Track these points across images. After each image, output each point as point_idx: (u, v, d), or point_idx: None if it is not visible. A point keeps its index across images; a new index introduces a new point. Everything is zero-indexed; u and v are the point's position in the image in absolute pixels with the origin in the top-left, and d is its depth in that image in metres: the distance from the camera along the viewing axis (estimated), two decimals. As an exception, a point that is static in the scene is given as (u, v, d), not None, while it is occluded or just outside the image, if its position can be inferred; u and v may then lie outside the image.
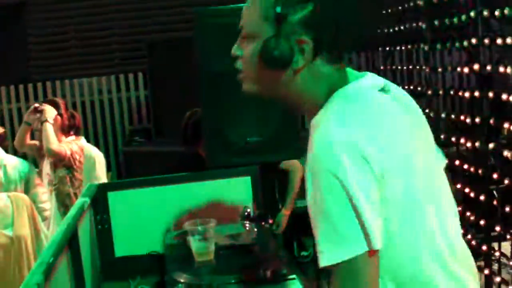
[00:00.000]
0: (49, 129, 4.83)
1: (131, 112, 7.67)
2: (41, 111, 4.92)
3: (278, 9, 1.61)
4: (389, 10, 5.92)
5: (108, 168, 6.39)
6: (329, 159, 1.50)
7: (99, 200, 3.13)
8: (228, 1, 3.60)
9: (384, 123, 1.60)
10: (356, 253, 1.48)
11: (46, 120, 4.85)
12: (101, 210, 3.13)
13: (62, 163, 4.92)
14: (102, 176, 5.38)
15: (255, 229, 2.92)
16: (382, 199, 1.53)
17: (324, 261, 1.51)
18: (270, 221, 3.07)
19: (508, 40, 3.94)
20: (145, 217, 3.15)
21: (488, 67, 4.26)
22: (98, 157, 5.33)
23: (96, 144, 7.05)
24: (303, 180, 4.44)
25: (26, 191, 4.76)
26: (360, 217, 1.48)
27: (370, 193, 1.50)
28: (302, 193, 5.65)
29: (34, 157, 5.58)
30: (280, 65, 1.64)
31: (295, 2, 1.61)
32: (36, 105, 5.05)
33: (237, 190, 3.26)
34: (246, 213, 3.01)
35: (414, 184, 1.60)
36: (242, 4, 4.01)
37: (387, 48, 6.21)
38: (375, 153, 1.51)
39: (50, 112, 4.91)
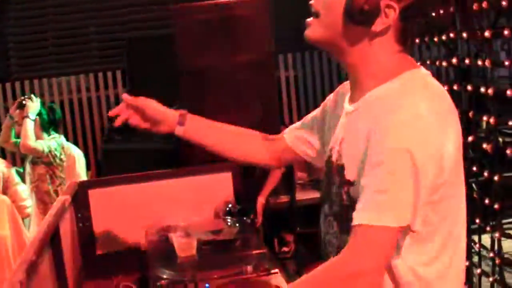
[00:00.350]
0: (28, 125, 4.81)
1: (110, 110, 7.63)
2: (23, 106, 4.91)
3: None
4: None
5: (88, 167, 6.37)
6: (416, 134, 1.52)
7: (80, 198, 3.12)
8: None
9: (456, 122, 1.65)
10: (399, 224, 1.52)
11: (27, 116, 4.83)
12: (82, 208, 3.13)
13: (41, 160, 4.91)
14: (82, 174, 5.37)
15: (237, 225, 2.93)
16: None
17: (363, 219, 1.53)
18: (252, 216, 3.07)
19: (486, 34, 3.97)
20: (126, 214, 3.15)
21: (467, 61, 4.29)
22: (78, 155, 5.32)
23: (76, 143, 7.02)
24: (283, 176, 4.42)
25: (5, 189, 4.74)
26: (417, 195, 1.52)
27: (433, 181, 1.54)
28: (282, 190, 5.67)
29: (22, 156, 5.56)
30: (362, 21, 1.63)
31: None
32: (22, 98, 5.04)
33: (218, 186, 3.26)
34: (227, 209, 3.02)
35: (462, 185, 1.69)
36: (220, 0, 4.01)
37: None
38: (452, 152, 1.58)
39: (32, 108, 4.89)
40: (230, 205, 3.02)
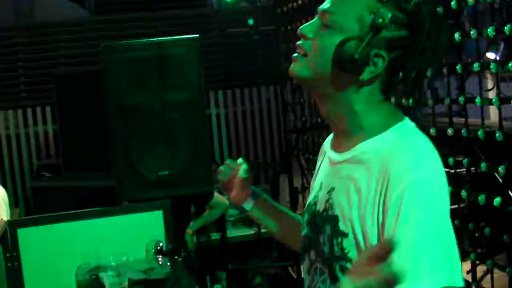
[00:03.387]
0: None
1: (39, 146, 7.55)
2: None
3: (379, 20, 1.60)
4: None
5: (16, 204, 6.27)
6: (439, 186, 1.56)
7: (8, 237, 3.07)
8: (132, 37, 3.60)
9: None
10: (458, 285, 1.51)
11: None
12: (10, 248, 3.08)
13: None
14: (3, 213, 5.26)
15: (168, 264, 2.93)
16: None
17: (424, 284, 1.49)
18: (182, 255, 3.07)
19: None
20: (56, 254, 3.11)
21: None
22: (1, 193, 5.22)
23: (3, 180, 6.90)
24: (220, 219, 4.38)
25: None
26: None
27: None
28: (213, 227, 5.68)
29: None
30: (351, 69, 1.62)
31: (394, 21, 1.62)
32: None
33: (149, 224, 3.25)
34: (158, 248, 3.02)
35: None
36: (153, 39, 4.03)
37: (295, 82, 6.32)
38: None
39: None
40: (161, 244, 3.01)
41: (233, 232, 6.13)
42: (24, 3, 7.94)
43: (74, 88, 6.31)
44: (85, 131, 6.06)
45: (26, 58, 7.67)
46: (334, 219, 1.69)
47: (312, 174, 6.06)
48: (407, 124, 1.69)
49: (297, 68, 1.71)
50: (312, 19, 1.72)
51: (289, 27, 6.16)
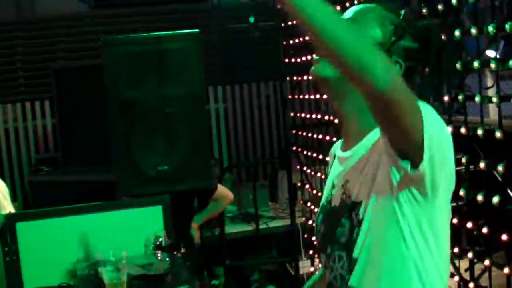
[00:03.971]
0: None
1: (38, 140, 7.54)
2: None
3: (400, 30, 1.78)
4: (297, 40, 6.04)
5: (14, 198, 6.26)
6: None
7: (7, 230, 3.08)
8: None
9: None
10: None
11: None
12: (9, 241, 3.08)
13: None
14: (7, 206, 5.26)
15: (167, 259, 2.93)
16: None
17: None
18: (183, 251, 3.07)
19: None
20: (55, 248, 3.11)
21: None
22: (1, 186, 5.22)
23: (1, 174, 6.89)
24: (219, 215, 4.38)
25: None
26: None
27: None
28: (211, 223, 5.69)
29: None
30: None
31: (410, 32, 1.80)
32: None
33: (148, 219, 3.25)
34: (157, 243, 3.02)
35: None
36: (152, 34, 4.02)
37: (295, 78, 6.32)
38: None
39: None
40: (160, 239, 3.01)
41: (231, 228, 6.14)
42: (24, -3, 7.93)
43: (73, 82, 6.29)
44: (84, 125, 6.05)
45: (25, 52, 7.66)
46: (357, 206, 1.77)
47: (311, 170, 6.07)
48: None
49: (318, 68, 1.81)
50: None
51: (289, 23, 6.14)
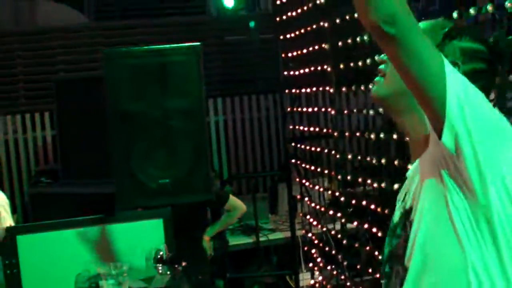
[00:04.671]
0: None
1: (37, 152, 7.54)
2: None
3: (453, 33, 1.74)
4: (296, 53, 6.05)
5: (14, 210, 6.25)
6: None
7: (7, 244, 3.07)
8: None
9: None
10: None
11: None
12: (9, 255, 3.08)
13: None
14: (7, 218, 5.26)
15: (168, 272, 2.92)
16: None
17: None
18: (183, 264, 3.06)
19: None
20: (56, 261, 3.11)
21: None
22: (1, 199, 5.22)
23: (1, 186, 6.88)
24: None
25: None
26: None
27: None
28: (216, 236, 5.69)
29: None
30: None
31: (463, 32, 1.75)
32: None
33: (149, 232, 3.25)
34: (158, 256, 3.01)
35: None
36: (153, 47, 4.03)
37: (294, 91, 6.32)
38: None
39: None
40: (161, 252, 3.01)
41: (232, 240, 6.14)
42: (24, 9, 7.94)
43: (73, 94, 6.30)
44: (84, 137, 6.05)
45: (25, 63, 7.67)
46: (407, 215, 1.74)
47: (311, 183, 6.04)
48: None
49: (377, 88, 1.82)
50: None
51: (288, 36, 6.15)
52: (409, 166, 3.85)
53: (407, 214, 1.73)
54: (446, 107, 1.51)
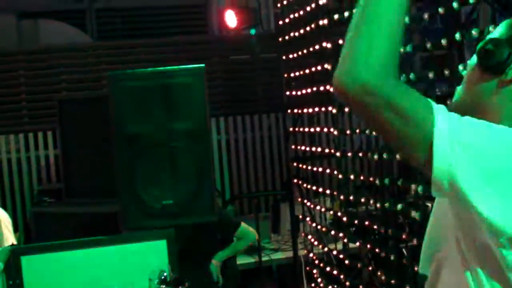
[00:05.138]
0: None
1: (40, 171, 7.55)
2: None
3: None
4: (298, 73, 6.07)
5: (16, 229, 6.25)
6: None
7: (11, 264, 3.08)
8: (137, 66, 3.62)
9: None
10: None
11: None
12: (13, 275, 3.08)
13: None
14: (9, 237, 5.26)
15: (172, 294, 2.93)
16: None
17: None
18: (186, 285, 3.07)
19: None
20: (60, 282, 3.12)
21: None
22: (4, 217, 5.23)
23: (4, 204, 6.89)
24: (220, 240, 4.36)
25: None
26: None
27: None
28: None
29: None
30: (494, 69, 1.61)
31: None
32: None
33: (152, 253, 3.26)
34: (162, 277, 3.02)
35: None
36: (158, 69, 4.05)
37: (296, 110, 6.34)
38: None
39: None
40: (165, 274, 3.01)
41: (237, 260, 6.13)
42: (27, 28, 7.98)
43: (77, 113, 6.32)
44: (87, 156, 6.07)
45: (28, 82, 7.69)
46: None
47: (311, 203, 6.05)
48: None
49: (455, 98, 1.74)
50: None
51: (291, 56, 6.18)
52: (413, 186, 3.85)
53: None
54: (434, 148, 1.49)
